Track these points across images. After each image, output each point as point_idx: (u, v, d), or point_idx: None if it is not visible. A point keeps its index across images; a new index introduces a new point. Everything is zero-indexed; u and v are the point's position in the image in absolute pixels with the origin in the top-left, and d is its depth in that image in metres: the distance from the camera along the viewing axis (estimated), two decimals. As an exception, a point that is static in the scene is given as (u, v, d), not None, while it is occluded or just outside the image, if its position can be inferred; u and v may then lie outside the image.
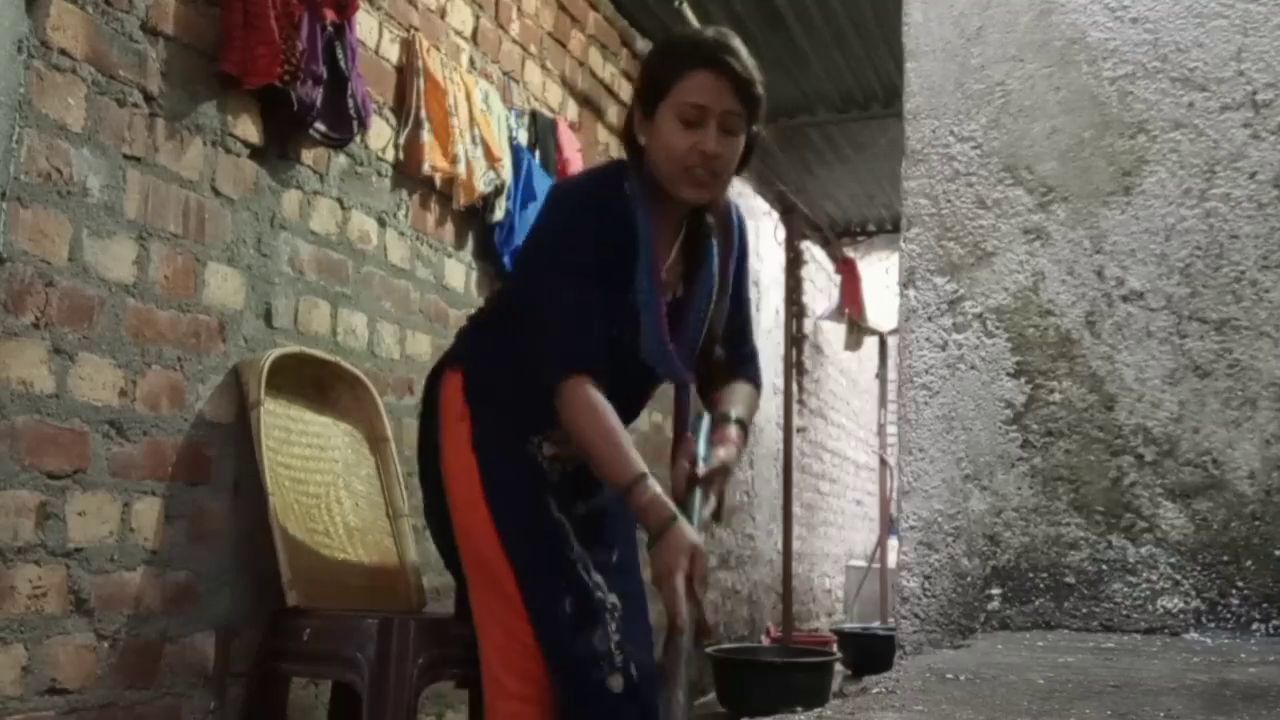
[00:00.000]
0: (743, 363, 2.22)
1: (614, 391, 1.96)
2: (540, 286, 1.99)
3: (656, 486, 1.87)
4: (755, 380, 2.24)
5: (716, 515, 2.05)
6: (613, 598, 2.02)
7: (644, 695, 1.97)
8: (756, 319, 2.48)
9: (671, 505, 1.87)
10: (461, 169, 3.22)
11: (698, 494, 1.99)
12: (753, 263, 2.29)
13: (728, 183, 2.05)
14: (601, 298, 1.94)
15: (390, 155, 3.07)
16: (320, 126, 2.69)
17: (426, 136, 3.12)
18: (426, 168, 3.12)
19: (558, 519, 2.04)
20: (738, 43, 1.99)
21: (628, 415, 2.06)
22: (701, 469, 2.01)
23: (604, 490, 2.08)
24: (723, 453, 2.04)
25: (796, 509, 6.37)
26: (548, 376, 1.93)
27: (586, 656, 1.96)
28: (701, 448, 2.05)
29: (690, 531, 1.84)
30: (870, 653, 5.49)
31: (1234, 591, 1.87)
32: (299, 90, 2.55)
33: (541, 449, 2.06)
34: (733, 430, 2.09)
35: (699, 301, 2.09)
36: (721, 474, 2.04)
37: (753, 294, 6.59)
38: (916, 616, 2.02)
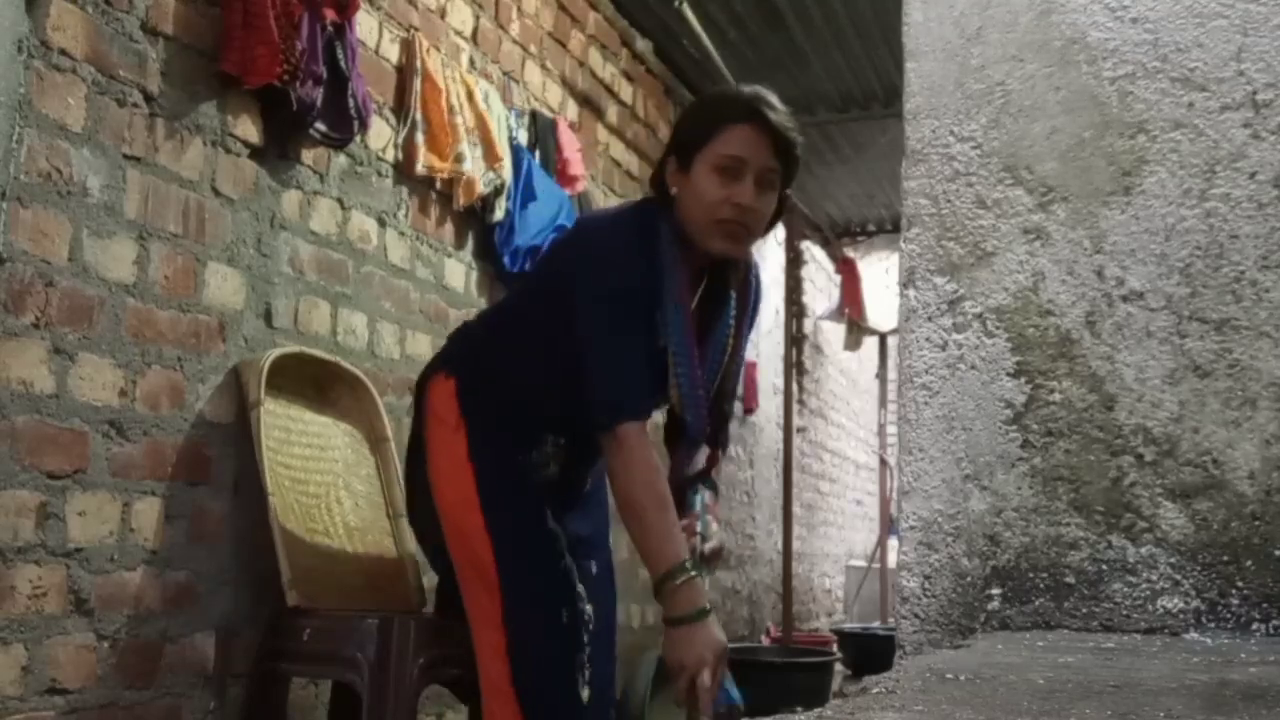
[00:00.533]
0: (721, 425, 2.18)
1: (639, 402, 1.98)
2: (591, 332, 1.96)
3: (695, 574, 1.84)
4: (725, 446, 2.22)
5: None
6: (589, 608, 2.07)
7: (603, 705, 2.05)
8: (754, 340, 2.46)
9: (707, 599, 1.84)
10: (461, 169, 3.22)
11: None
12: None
13: (757, 238, 2.05)
14: (640, 348, 1.95)
15: (390, 155, 3.07)
16: (320, 126, 2.69)
17: (420, 137, 3.12)
18: (420, 168, 3.12)
19: (552, 530, 2.07)
20: (778, 100, 1.99)
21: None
22: (706, 548, 2.01)
23: (589, 500, 2.17)
24: (715, 527, 2.06)
25: (796, 509, 6.37)
26: (604, 420, 1.92)
27: (568, 666, 2.02)
28: (700, 524, 2.04)
29: (719, 630, 1.83)
30: (870, 653, 5.49)
31: (1234, 591, 1.87)
32: (299, 90, 2.55)
33: (534, 459, 2.08)
34: (708, 496, 2.11)
35: (713, 356, 2.08)
36: (721, 554, 2.06)
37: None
38: (916, 616, 2.02)
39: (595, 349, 1.96)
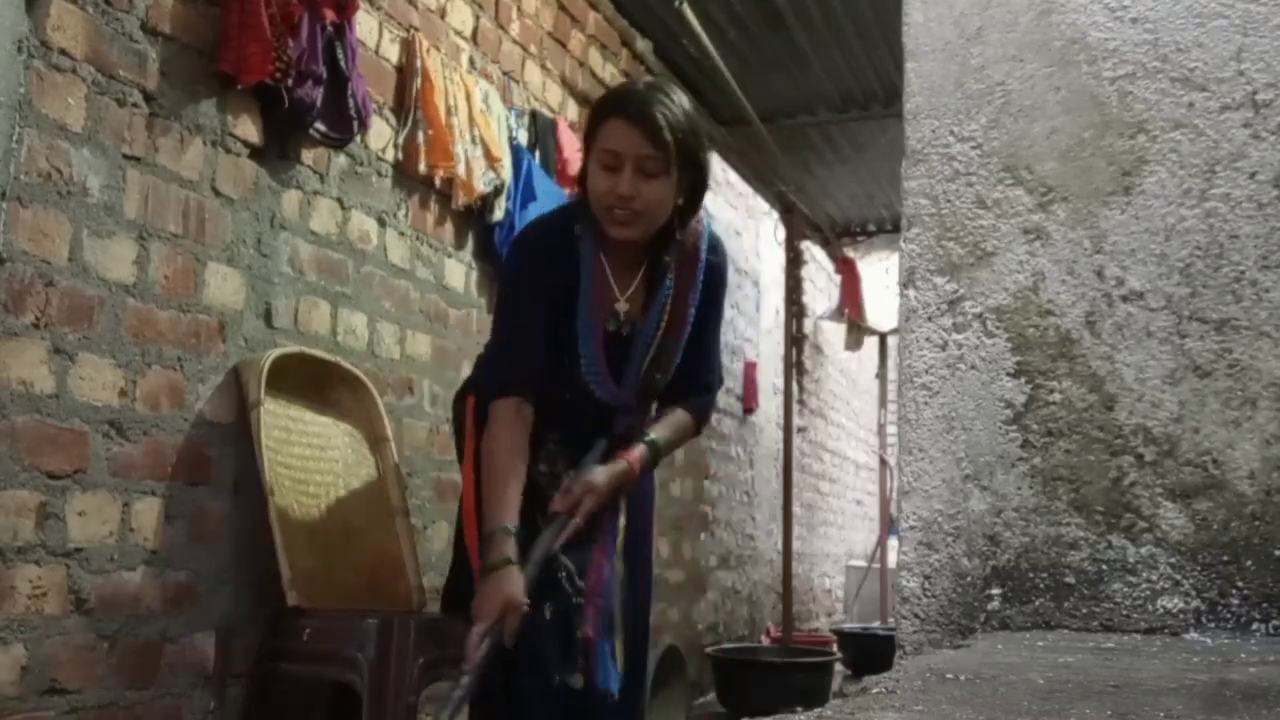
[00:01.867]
0: (693, 392, 2.33)
1: (576, 412, 2.20)
2: (495, 321, 2.27)
3: (505, 535, 2.04)
4: (698, 411, 2.36)
5: (578, 530, 2.16)
6: (556, 605, 2.15)
7: (633, 685, 2.24)
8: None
9: (509, 555, 2.02)
10: (461, 169, 3.22)
11: (554, 525, 2.13)
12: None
13: (654, 222, 2.15)
14: (537, 331, 2.15)
15: (390, 155, 3.07)
16: (320, 126, 2.69)
17: (423, 137, 3.12)
18: (423, 167, 3.12)
19: (543, 532, 2.15)
20: (663, 94, 2.13)
21: (598, 432, 2.24)
22: (559, 501, 2.14)
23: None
24: (600, 473, 2.17)
25: (796, 509, 6.37)
26: (488, 395, 2.16)
27: (555, 656, 2.13)
28: (583, 470, 2.18)
29: (516, 584, 2.01)
30: (870, 653, 5.49)
31: (1234, 591, 1.87)
32: (297, 89, 2.55)
33: (538, 467, 2.20)
34: (638, 450, 2.23)
35: (648, 329, 2.22)
36: (588, 492, 2.15)
37: (753, 301, 6.62)
38: (916, 616, 2.02)
39: (493, 331, 2.29)
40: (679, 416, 2.32)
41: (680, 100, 2.15)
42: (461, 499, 2.33)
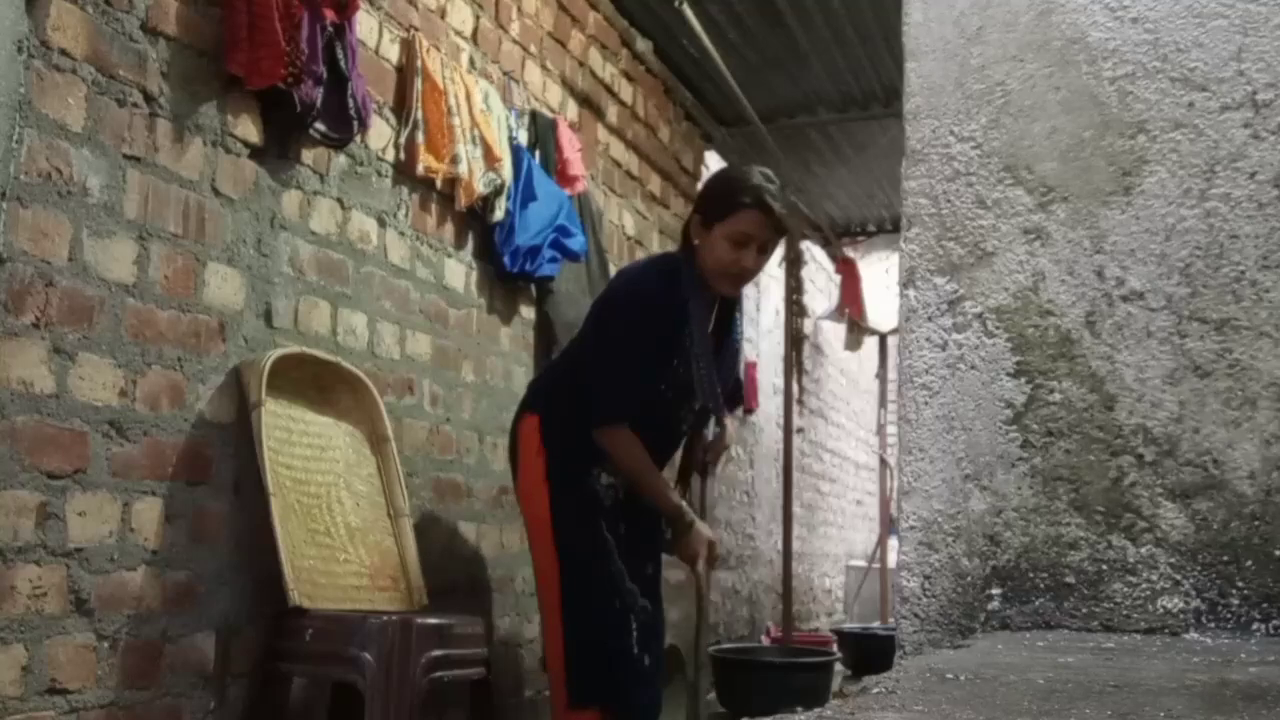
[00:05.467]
0: (737, 389, 3.14)
1: (661, 431, 2.81)
2: (603, 358, 2.72)
3: (681, 500, 2.80)
4: (741, 400, 3.30)
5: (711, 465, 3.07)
6: (644, 602, 2.75)
7: (655, 678, 2.77)
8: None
9: (690, 513, 2.79)
10: (461, 169, 3.22)
11: (707, 479, 3.04)
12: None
13: (752, 280, 2.85)
14: (646, 372, 2.69)
15: (390, 155, 3.07)
16: (320, 126, 2.69)
17: (421, 137, 3.12)
18: (420, 168, 3.12)
19: (606, 538, 2.72)
20: (781, 188, 2.73)
21: (670, 449, 2.94)
22: (706, 454, 3.02)
23: (647, 511, 2.81)
24: (727, 436, 3.05)
25: (796, 509, 6.37)
26: (597, 422, 2.68)
27: (618, 647, 2.68)
28: (711, 433, 2.98)
29: (705, 529, 2.80)
30: (870, 653, 5.49)
31: (1234, 591, 1.87)
32: (297, 89, 2.55)
33: (600, 479, 2.75)
34: (730, 428, 3.09)
35: (726, 357, 2.91)
36: (719, 454, 3.06)
37: (753, 301, 6.69)
38: (916, 616, 2.02)
39: (600, 367, 2.71)
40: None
41: (781, 184, 2.76)
42: (520, 504, 2.86)
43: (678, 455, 3.07)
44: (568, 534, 2.71)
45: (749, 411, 6.34)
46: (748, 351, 6.29)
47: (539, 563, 2.76)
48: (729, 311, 2.88)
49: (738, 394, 3.14)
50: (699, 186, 2.98)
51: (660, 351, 2.69)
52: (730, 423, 3.00)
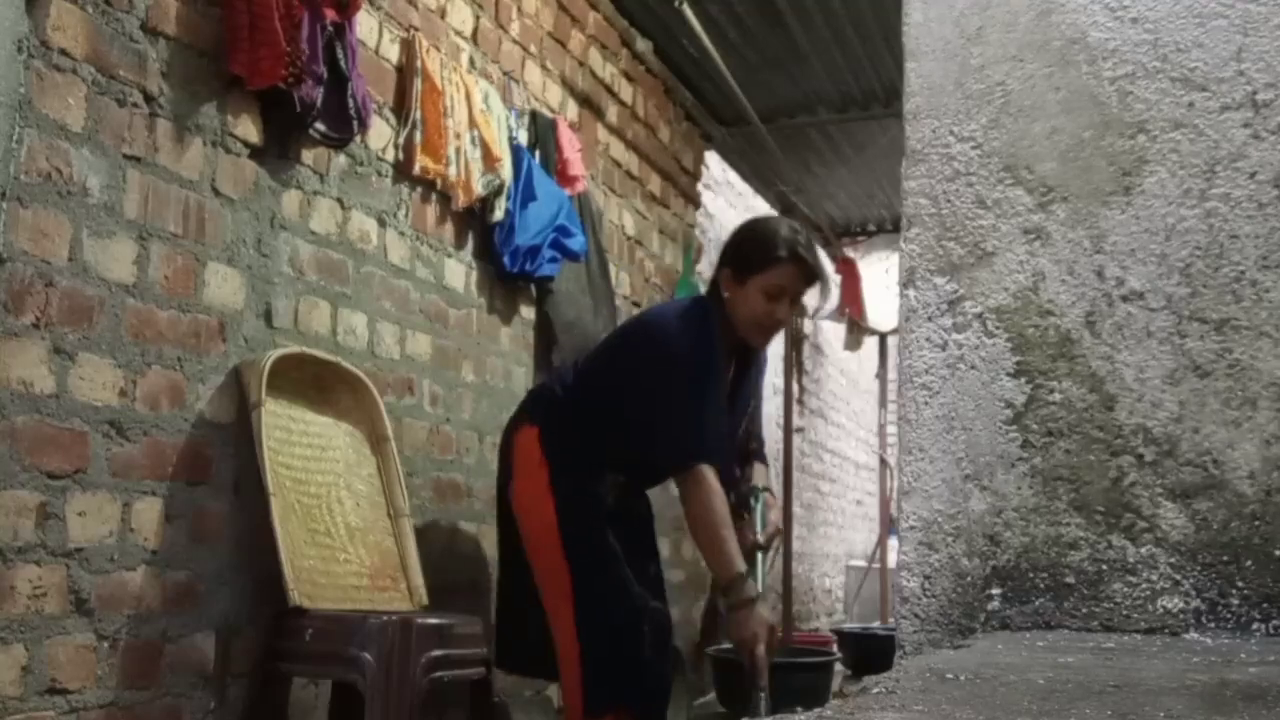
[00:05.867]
0: (760, 447, 3.03)
1: (645, 469, 2.84)
2: (667, 401, 2.65)
3: (743, 578, 2.57)
4: (764, 459, 3.05)
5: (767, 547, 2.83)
6: (655, 604, 2.79)
7: (667, 679, 2.80)
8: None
9: (754, 591, 2.58)
10: (454, 171, 3.22)
11: (759, 559, 2.74)
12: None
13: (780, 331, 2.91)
14: (711, 407, 2.67)
15: (390, 155, 3.07)
16: (320, 126, 2.69)
17: (419, 137, 3.12)
18: (417, 169, 3.12)
19: (613, 544, 2.74)
20: (806, 236, 2.77)
21: (653, 475, 2.94)
22: (760, 537, 2.78)
23: (639, 515, 2.95)
24: (773, 515, 2.88)
25: (796, 509, 6.37)
26: (682, 463, 2.61)
27: (632, 652, 2.68)
28: (758, 520, 2.82)
29: (766, 611, 2.58)
30: (870, 653, 5.49)
31: (1234, 591, 1.87)
32: (300, 91, 2.55)
33: (599, 488, 2.77)
34: (767, 496, 2.90)
35: (741, 405, 2.90)
36: (776, 534, 2.87)
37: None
38: (916, 616, 2.02)
39: (670, 409, 2.64)
40: (762, 468, 3.00)
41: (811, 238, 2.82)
42: (519, 514, 2.80)
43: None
44: (577, 542, 2.71)
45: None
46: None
47: (546, 572, 2.73)
48: (746, 365, 2.89)
49: (757, 449, 3.01)
50: (726, 241, 2.87)
51: (699, 391, 2.67)
52: (775, 512, 2.91)
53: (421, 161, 3.12)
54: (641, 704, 2.71)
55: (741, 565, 2.56)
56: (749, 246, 2.78)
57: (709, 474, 2.57)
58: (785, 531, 6.06)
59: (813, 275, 2.75)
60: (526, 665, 2.96)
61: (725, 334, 2.74)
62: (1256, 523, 1.87)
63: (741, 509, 2.81)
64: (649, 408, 2.67)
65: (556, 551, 2.70)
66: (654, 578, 2.92)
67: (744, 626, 2.52)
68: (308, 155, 2.75)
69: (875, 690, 1.33)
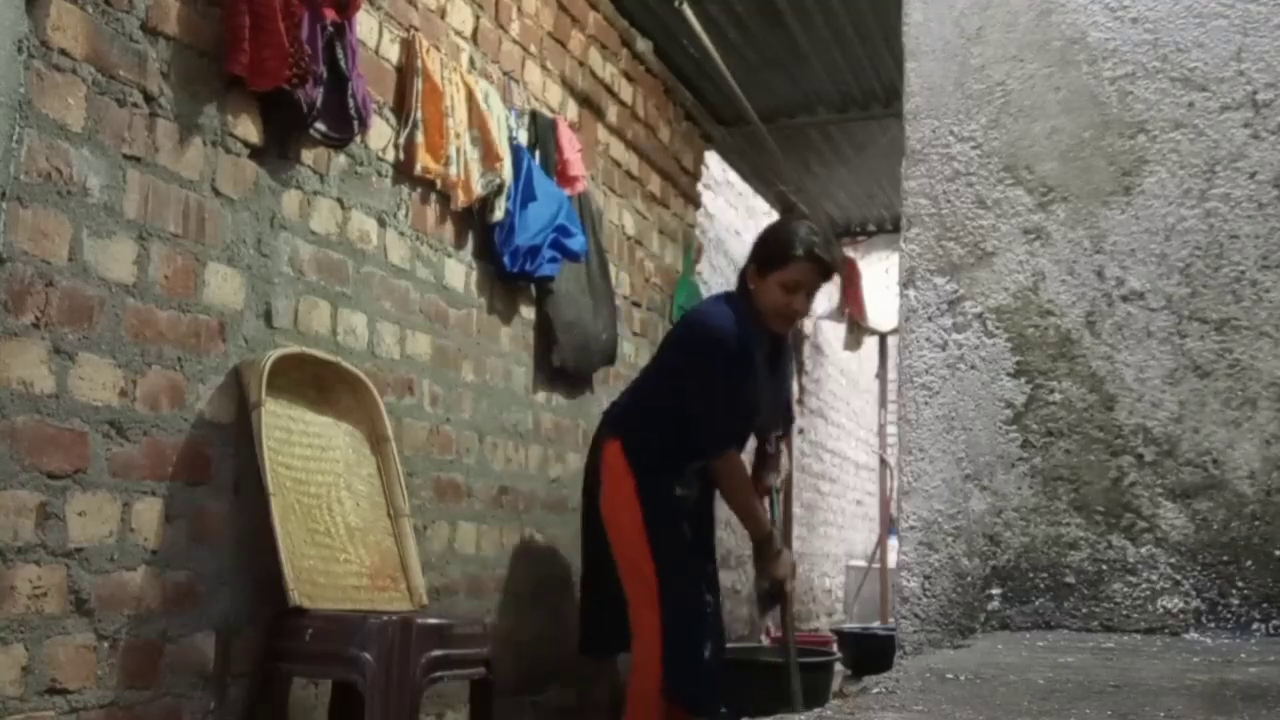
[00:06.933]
0: (789, 418, 3.66)
1: (738, 442, 3.26)
2: (705, 392, 3.11)
3: (774, 528, 3.31)
4: (792, 418, 3.80)
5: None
6: (709, 596, 3.24)
7: (718, 663, 3.18)
8: None
9: (779, 540, 3.32)
10: (454, 171, 3.22)
11: (775, 498, 3.47)
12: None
13: (802, 320, 3.51)
14: (741, 398, 3.11)
15: (390, 155, 3.07)
16: (320, 126, 2.69)
17: (420, 138, 3.12)
18: (419, 169, 3.12)
19: (690, 542, 3.20)
20: (829, 240, 3.15)
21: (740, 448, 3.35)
22: (777, 483, 3.47)
23: (708, 515, 3.40)
24: (782, 463, 3.53)
25: (796, 509, 6.37)
26: (711, 451, 3.16)
27: (698, 633, 3.11)
28: (774, 476, 3.48)
29: (789, 555, 3.36)
30: (870, 653, 5.48)
31: (1234, 591, 1.87)
32: (297, 90, 2.55)
33: (676, 491, 3.20)
34: (785, 446, 3.58)
35: (781, 384, 3.42)
36: (787, 480, 3.73)
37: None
38: (916, 616, 2.02)
39: (712, 403, 3.09)
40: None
41: (830, 236, 3.34)
42: (606, 521, 3.22)
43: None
44: (663, 540, 3.12)
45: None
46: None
47: (633, 568, 3.14)
48: (779, 345, 3.36)
49: (789, 413, 3.64)
50: (756, 239, 3.33)
51: (739, 380, 3.10)
52: (785, 460, 3.48)
53: (423, 161, 3.12)
54: (700, 690, 3.11)
55: (769, 525, 3.27)
56: (770, 246, 3.19)
57: (737, 455, 3.18)
58: (785, 532, 6.07)
59: (828, 270, 3.19)
60: (611, 645, 3.39)
61: (754, 321, 3.15)
62: (1256, 523, 1.87)
63: (770, 458, 3.46)
64: (697, 401, 3.11)
65: (644, 549, 3.11)
66: (711, 574, 3.34)
67: (779, 567, 3.23)
68: (308, 155, 2.75)
69: (875, 690, 1.33)
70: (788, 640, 3.41)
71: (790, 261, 3.10)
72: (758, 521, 3.23)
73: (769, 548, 3.24)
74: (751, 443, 3.48)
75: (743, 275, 3.26)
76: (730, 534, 6.03)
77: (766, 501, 3.44)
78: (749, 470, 3.39)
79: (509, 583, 3.61)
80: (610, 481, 3.21)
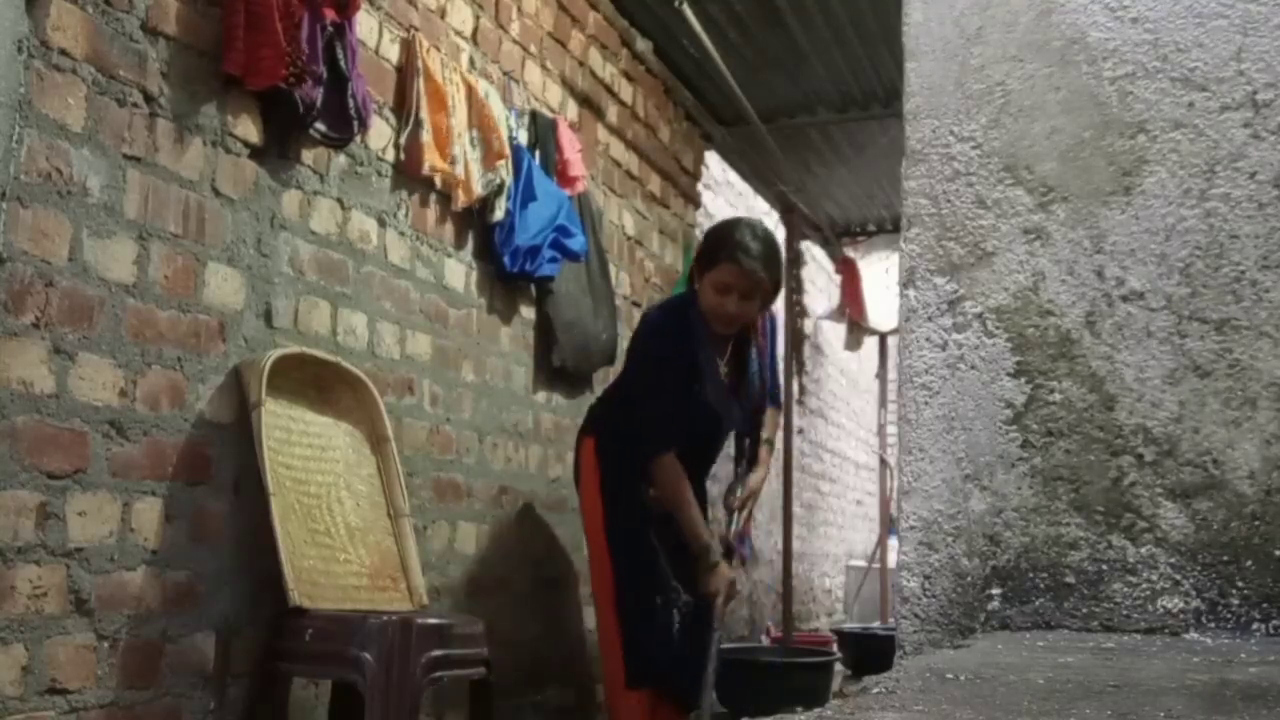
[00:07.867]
0: (773, 393, 3.46)
1: (693, 443, 3.20)
2: (642, 396, 3.16)
3: (712, 539, 3.14)
4: (777, 402, 3.53)
5: (744, 528, 3.34)
6: (687, 597, 3.18)
7: (697, 662, 3.05)
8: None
9: (717, 552, 3.12)
10: (459, 170, 3.22)
11: (735, 516, 3.27)
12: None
13: (744, 321, 3.22)
14: (677, 400, 3.10)
15: (390, 155, 3.07)
16: (320, 126, 2.69)
17: (426, 137, 3.12)
18: (426, 168, 3.12)
19: (653, 544, 3.17)
20: (763, 242, 3.13)
21: (709, 457, 3.43)
22: (736, 501, 3.28)
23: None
24: (752, 479, 3.33)
25: (796, 509, 6.37)
26: (647, 452, 3.11)
27: (664, 637, 3.13)
28: (739, 486, 3.31)
29: (728, 569, 3.14)
30: (870, 653, 5.49)
31: (1234, 591, 1.87)
32: (297, 89, 2.55)
33: (647, 493, 3.16)
34: (763, 450, 3.36)
35: (748, 380, 3.31)
36: (751, 497, 3.31)
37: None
38: (916, 616, 2.02)
39: (643, 404, 3.14)
40: (770, 413, 3.41)
41: (770, 239, 3.17)
42: (582, 516, 3.34)
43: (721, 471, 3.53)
44: (619, 541, 3.17)
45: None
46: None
47: (595, 567, 3.24)
48: (744, 339, 3.30)
49: (774, 396, 3.49)
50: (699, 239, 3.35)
51: (683, 380, 3.11)
52: (760, 472, 3.34)
53: (430, 160, 3.12)
54: (669, 683, 3.12)
55: (707, 536, 3.13)
56: (706, 245, 3.23)
57: (671, 459, 3.10)
58: (785, 532, 6.07)
59: (750, 276, 3.08)
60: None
61: (708, 321, 3.16)
62: (1256, 523, 1.87)
63: (743, 460, 3.35)
64: (642, 402, 3.13)
65: (604, 549, 3.18)
66: (691, 575, 3.23)
67: (711, 582, 3.10)
68: (308, 155, 2.75)
69: (875, 690, 1.33)
70: (706, 661, 3.06)
71: (719, 262, 3.11)
72: (692, 530, 3.11)
73: (705, 559, 3.11)
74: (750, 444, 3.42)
75: (691, 275, 3.28)
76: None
77: (733, 513, 3.29)
78: (747, 471, 3.35)
79: (509, 583, 3.61)
80: (584, 479, 3.30)
